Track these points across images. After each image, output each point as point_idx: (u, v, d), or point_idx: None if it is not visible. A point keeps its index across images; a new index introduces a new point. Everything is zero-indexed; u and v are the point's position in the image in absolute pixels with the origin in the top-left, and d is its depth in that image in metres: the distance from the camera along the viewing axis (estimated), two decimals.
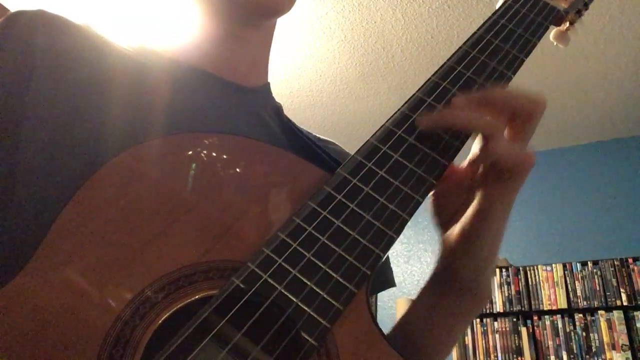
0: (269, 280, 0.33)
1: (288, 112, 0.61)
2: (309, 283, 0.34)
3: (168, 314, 0.31)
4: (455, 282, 0.47)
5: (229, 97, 0.54)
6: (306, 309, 0.33)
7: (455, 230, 0.46)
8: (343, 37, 2.63)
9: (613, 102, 3.10)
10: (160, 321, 0.30)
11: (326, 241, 0.36)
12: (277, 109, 0.61)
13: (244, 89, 0.56)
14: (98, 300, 0.30)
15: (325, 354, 0.32)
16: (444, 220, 0.48)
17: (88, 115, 0.43)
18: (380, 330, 0.35)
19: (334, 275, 0.34)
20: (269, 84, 0.63)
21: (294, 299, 0.33)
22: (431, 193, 0.47)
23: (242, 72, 0.57)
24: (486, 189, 0.43)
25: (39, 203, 0.39)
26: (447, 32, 2.58)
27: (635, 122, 3.30)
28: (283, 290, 0.33)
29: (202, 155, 0.38)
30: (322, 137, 0.66)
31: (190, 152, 0.38)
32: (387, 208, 0.38)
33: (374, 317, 0.35)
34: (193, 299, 0.32)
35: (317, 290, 0.34)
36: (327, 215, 0.37)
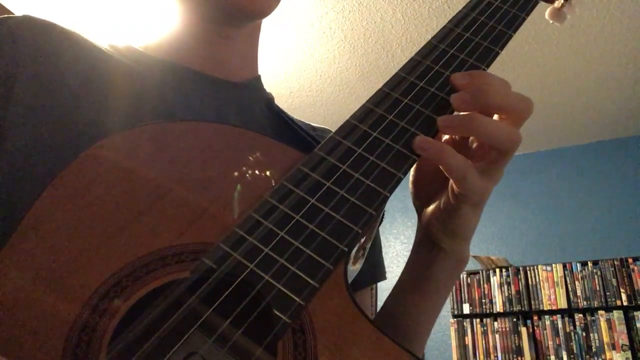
0: (240, 258, 0.33)
1: (288, 112, 0.62)
2: (280, 260, 0.33)
3: (138, 297, 0.31)
4: (436, 252, 0.48)
5: (218, 94, 0.55)
6: (277, 285, 0.32)
7: (434, 208, 0.47)
8: (343, 37, 2.63)
9: (613, 102, 3.09)
10: (130, 304, 0.30)
11: (300, 219, 0.35)
12: (268, 100, 0.61)
13: (232, 85, 0.57)
14: (67, 285, 0.30)
15: (300, 331, 0.32)
16: (422, 199, 0.49)
17: (76, 114, 0.43)
18: (359, 308, 0.34)
19: (308, 252, 0.34)
20: (259, 76, 0.62)
21: (265, 276, 0.32)
22: (411, 175, 0.49)
23: (231, 69, 0.57)
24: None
25: (23, 198, 0.39)
26: None
27: (635, 122, 3.30)
28: (254, 268, 0.33)
29: (175, 142, 0.38)
30: (315, 125, 0.66)
31: (163, 140, 0.38)
32: (365, 184, 0.38)
33: (352, 296, 0.34)
34: (164, 281, 0.32)
35: (290, 267, 0.33)
36: (302, 194, 0.37)
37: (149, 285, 0.32)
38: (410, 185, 0.50)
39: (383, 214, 0.52)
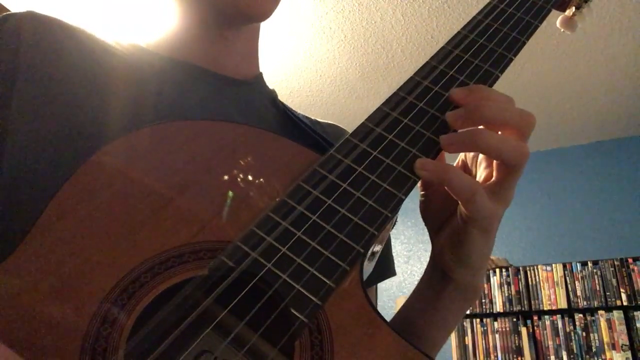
0: (257, 257, 0.33)
1: None
2: (297, 260, 0.33)
3: (156, 294, 0.31)
4: (446, 283, 0.46)
5: (222, 90, 0.55)
6: (295, 284, 0.32)
7: (445, 235, 0.45)
8: (343, 37, 2.63)
9: (613, 102, 3.10)
10: (148, 301, 0.30)
11: (317, 220, 0.35)
12: (272, 97, 0.61)
13: (235, 81, 0.57)
14: (87, 280, 0.30)
15: (317, 331, 0.32)
16: (433, 226, 0.47)
17: (79, 110, 0.43)
18: (375, 309, 0.34)
19: (325, 252, 0.34)
20: (261, 74, 0.63)
21: (282, 275, 0.32)
22: (420, 203, 0.47)
23: (231, 67, 0.58)
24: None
25: (27, 194, 0.39)
26: (447, 32, 2.58)
27: (635, 122, 3.30)
28: (272, 267, 0.33)
29: (193, 140, 0.38)
30: (321, 120, 0.66)
31: (181, 138, 0.38)
32: (381, 187, 0.38)
33: (368, 297, 0.34)
34: (182, 278, 0.32)
35: (307, 266, 0.33)
36: (318, 195, 0.37)
37: (168, 281, 0.32)
38: (420, 213, 0.48)
39: (396, 219, 0.52)
